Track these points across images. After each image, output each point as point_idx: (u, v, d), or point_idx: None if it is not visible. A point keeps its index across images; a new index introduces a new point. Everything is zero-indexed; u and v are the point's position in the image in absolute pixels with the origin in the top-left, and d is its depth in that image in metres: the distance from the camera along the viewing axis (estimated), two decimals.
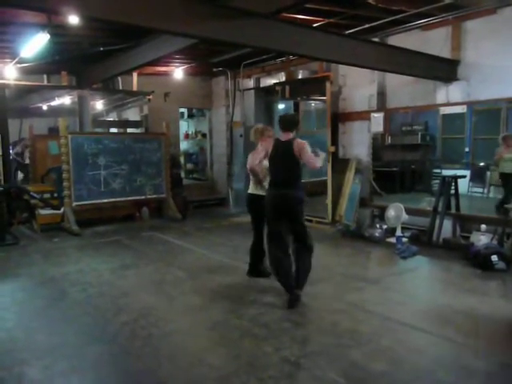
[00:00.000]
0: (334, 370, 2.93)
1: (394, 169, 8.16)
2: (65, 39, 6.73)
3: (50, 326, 3.80)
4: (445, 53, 6.40)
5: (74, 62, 8.02)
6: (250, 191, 4.87)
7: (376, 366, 3.00)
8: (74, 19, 4.17)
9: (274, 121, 9.75)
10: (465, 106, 6.40)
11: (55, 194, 7.93)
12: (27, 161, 9.31)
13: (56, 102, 9.63)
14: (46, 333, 3.65)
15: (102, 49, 6.99)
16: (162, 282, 4.92)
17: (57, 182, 7.86)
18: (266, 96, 9.73)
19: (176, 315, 4.00)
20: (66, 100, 9.47)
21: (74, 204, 7.60)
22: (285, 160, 4.23)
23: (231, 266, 5.39)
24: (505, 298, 4.42)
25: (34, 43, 5.68)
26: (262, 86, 9.77)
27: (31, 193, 7.68)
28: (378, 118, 7.32)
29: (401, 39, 6.74)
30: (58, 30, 5.76)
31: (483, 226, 5.70)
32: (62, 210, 7.62)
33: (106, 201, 8.01)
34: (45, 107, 9.85)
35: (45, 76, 8.60)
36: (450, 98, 6.49)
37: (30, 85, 8.37)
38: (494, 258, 5.00)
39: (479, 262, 5.10)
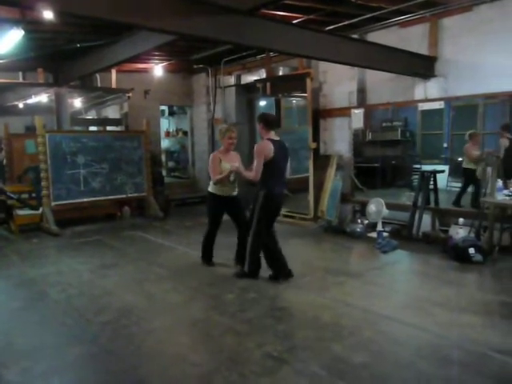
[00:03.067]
0: (317, 363, 2.96)
1: (375, 164, 8.23)
2: (40, 35, 6.58)
3: (28, 328, 3.72)
4: (423, 49, 6.48)
5: (50, 58, 7.85)
6: (219, 193, 5.02)
7: (358, 358, 3.03)
8: (48, 14, 4.06)
9: (255, 117, 9.77)
10: (442, 102, 6.49)
11: (33, 194, 7.75)
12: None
13: (33, 100, 9.40)
14: (25, 335, 3.58)
15: (78, 45, 6.86)
16: (143, 280, 4.87)
17: (35, 181, 7.69)
18: (247, 93, 9.71)
19: (157, 313, 3.96)
20: (42, 98, 9.25)
21: (53, 204, 7.46)
22: (285, 160, 4.48)
23: None
24: (481, 289, 4.53)
25: (8, 39, 5.54)
26: (242, 83, 9.72)
27: (8, 193, 7.51)
28: (358, 115, 7.38)
29: (380, 36, 6.80)
30: (32, 26, 5.63)
31: (461, 220, 5.82)
32: (41, 210, 7.48)
33: (85, 200, 7.88)
34: (21, 105, 9.59)
35: (20, 73, 8.39)
36: (428, 94, 6.57)
37: (4, 82, 8.16)
38: (472, 250, 5.10)
39: (457, 254, 5.20)
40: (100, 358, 3.18)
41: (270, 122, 4.46)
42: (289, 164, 4.65)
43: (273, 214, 4.58)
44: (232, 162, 4.80)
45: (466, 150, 6.57)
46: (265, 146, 4.33)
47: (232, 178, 4.88)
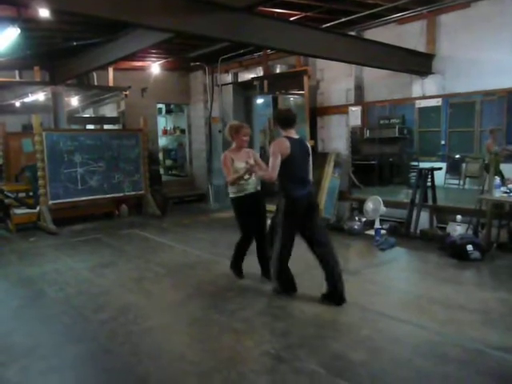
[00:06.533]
0: (315, 361, 2.96)
1: (373, 162, 8.25)
2: (37, 33, 6.55)
3: (27, 327, 3.72)
4: (420, 46, 6.48)
5: (46, 56, 7.83)
6: (240, 194, 4.52)
7: (356, 355, 3.03)
8: (44, 12, 4.04)
9: (253, 115, 9.77)
10: (440, 99, 6.49)
11: (30, 193, 7.74)
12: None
13: (29, 99, 9.37)
14: (23, 333, 3.58)
15: (75, 43, 6.84)
16: (141, 279, 4.87)
17: (32, 180, 7.67)
18: (245, 91, 9.71)
19: (156, 312, 3.97)
20: (39, 96, 9.22)
21: (50, 202, 7.45)
22: (306, 158, 4.17)
23: (210, 262, 5.37)
24: (479, 286, 4.54)
25: (4, 38, 5.50)
26: (240, 80, 9.73)
27: (5, 192, 7.49)
28: (355, 112, 7.38)
29: (377, 33, 6.79)
30: (29, 24, 5.60)
31: (459, 217, 5.82)
32: (38, 208, 7.46)
33: (83, 199, 7.88)
34: (18, 104, 9.56)
35: (17, 72, 8.35)
36: (426, 91, 6.58)
37: (1, 81, 8.13)
38: (469, 247, 5.11)
39: (455, 252, 5.21)
40: (99, 357, 3.18)
41: (285, 119, 4.10)
42: (311, 165, 4.29)
43: (295, 219, 4.03)
44: (246, 160, 4.40)
45: (488, 146, 6.47)
46: (280, 144, 3.97)
47: (247, 176, 4.43)
